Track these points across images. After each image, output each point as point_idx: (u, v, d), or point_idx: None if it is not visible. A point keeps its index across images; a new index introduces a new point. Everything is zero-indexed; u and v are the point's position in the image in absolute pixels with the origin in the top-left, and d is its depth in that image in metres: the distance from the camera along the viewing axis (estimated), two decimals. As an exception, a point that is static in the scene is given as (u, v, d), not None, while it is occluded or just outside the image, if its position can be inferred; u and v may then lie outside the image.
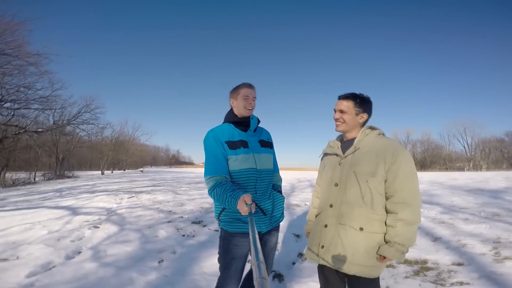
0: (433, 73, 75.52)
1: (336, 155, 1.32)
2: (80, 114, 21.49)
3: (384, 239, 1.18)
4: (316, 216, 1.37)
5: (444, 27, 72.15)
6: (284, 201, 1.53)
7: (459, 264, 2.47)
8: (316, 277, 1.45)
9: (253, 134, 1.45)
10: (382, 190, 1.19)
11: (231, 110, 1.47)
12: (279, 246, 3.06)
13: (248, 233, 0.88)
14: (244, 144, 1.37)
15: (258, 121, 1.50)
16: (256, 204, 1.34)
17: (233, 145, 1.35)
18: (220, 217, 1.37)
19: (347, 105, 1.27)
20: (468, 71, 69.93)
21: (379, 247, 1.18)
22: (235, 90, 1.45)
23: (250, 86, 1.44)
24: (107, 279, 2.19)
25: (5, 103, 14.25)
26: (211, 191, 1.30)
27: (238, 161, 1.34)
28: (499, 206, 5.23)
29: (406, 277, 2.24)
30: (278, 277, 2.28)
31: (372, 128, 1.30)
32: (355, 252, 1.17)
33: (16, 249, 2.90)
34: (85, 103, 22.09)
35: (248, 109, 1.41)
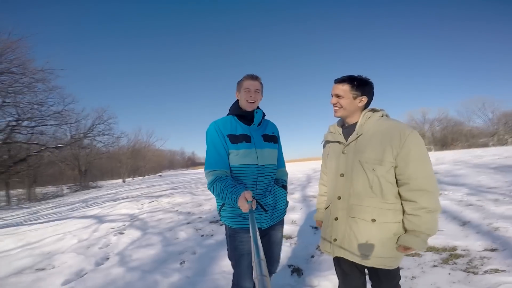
0: (442, 51, 70.88)
1: (339, 142, 1.25)
2: (94, 126, 22.57)
3: (405, 229, 1.12)
4: (326, 208, 1.33)
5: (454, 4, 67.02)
6: (286, 195, 1.48)
7: (492, 250, 2.31)
8: (336, 270, 1.41)
9: (256, 128, 1.40)
10: (391, 178, 1.12)
11: (236, 102, 1.43)
12: (296, 239, 3.04)
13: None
14: (246, 138, 1.33)
15: (263, 115, 1.45)
16: (256, 201, 1.30)
17: (235, 139, 1.31)
18: (221, 212, 1.35)
19: (343, 89, 1.19)
20: (478, 47, 64.94)
21: (398, 237, 1.12)
22: (239, 82, 1.41)
23: (252, 77, 1.38)
24: (133, 283, 2.30)
25: (22, 122, 14.95)
26: (210, 186, 1.27)
27: (239, 156, 1.30)
28: (532, 182, 4.86)
29: (434, 265, 2.14)
30: (297, 271, 2.26)
31: (374, 110, 1.21)
32: (370, 244, 1.13)
33: (51, 259, 3.11)
34: (98, 114, 23.17)
35: (250, 102, 1.35)
